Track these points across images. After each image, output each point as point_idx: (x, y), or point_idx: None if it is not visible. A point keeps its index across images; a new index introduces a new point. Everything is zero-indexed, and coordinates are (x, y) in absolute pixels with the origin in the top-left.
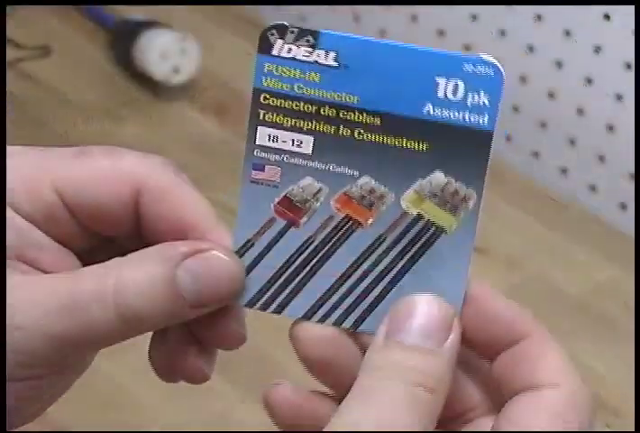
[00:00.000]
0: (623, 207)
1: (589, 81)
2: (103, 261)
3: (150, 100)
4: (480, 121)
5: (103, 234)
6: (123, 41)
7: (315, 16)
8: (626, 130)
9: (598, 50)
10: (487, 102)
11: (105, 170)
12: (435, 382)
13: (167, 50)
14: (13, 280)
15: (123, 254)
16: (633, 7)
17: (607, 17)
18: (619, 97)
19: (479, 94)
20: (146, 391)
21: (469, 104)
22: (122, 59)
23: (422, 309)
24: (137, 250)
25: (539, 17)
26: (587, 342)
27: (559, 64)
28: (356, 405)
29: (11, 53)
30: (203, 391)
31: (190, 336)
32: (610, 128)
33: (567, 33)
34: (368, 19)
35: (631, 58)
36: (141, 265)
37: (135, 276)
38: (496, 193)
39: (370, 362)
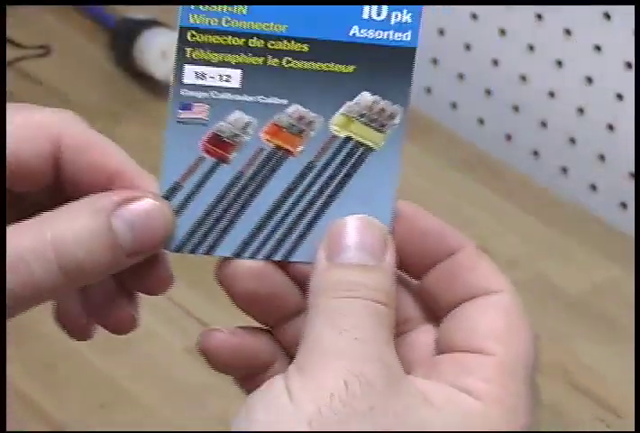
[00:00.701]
0: (623, 206)
1: (590, 81)
2: (14, 219)
3: (151, 99)
4: (404, 38)
5: (17, 191)
6: (123, 40)
7: None
8: (626, 130)
9: (598, 49)
10: (409, 19)
11: (22, 125)
12: (386, 296)
13: (167, 50)
14: None
15: (38, 211)
16: (633, 7)
17: (607, 17)
18: (619, 97)
19: (401, 12)
20: (146, 390)
21: (392, 22)
22: (122, 59)
23: (355, 229)
24: (54, 205)
25: (539, 17)
26: (587, 342)
27: (559, 64)
28: (327, 327)
29: (11, 53)
30: (203, 391)
31: (117, 284)
32: (610, 128)
33: (567, 33)
34: None
35: (631, 58)
36: (76, 217)
37: (72, 228)
38: (496, 192)
39: (320, 283)
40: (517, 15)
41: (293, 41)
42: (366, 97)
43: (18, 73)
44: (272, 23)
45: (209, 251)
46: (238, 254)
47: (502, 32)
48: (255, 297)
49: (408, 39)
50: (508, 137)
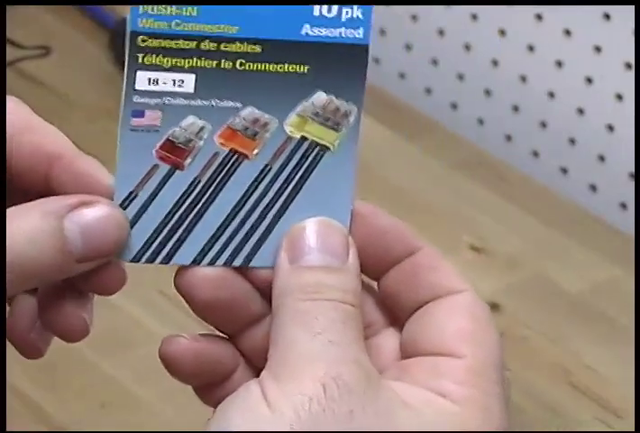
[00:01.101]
0: (623, 206)
1: (589, 81)
2: None
3: None
4: (356, 35)
5: None
6: (123, 40)
7: None
8: (626, 130)
9: (598, 50)
10: (360, 15)
11: None
12: (353, 297)
13: None
14: None
15: None
16: (633, 7)
17: (607, 17)
18: (619, 98)
19: (352, 8)
20: (146, 391)
21: (344, 19)
22: (122, 59)
23: (315, 231)
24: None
25: (539, 17)
26: (587, 342)
27: (559, 64)
28: (299, 331)
29: (11, 53)
30: None
31: (67, 285)
32: (610, 128)
33: (567, 33)
34: None
35: (631, 58)
36: (27, 217)
37: (22, 227)
38: (496, 193)
39: (285, 286)
40: (517, 15)
41: (245, 43)
42: (320, 97)
43: (18, 73)
44: (223, 25)
45: (167, 260)
46: (197, 262)
47: (502, 32)
48: (214, 304)
49: (360, 36)
50: (508, 137)
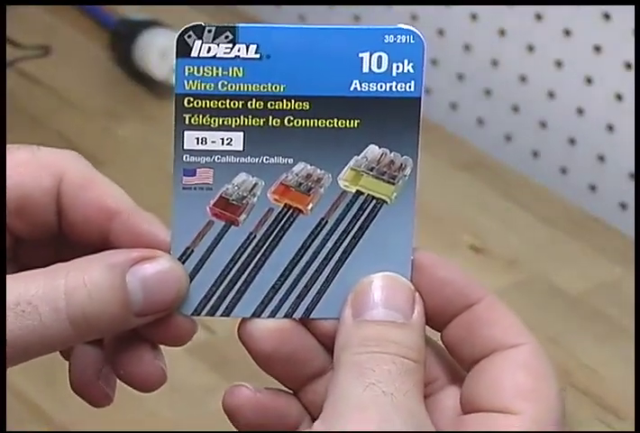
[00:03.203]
0: (623, 207)
1: (589, 81)
2: (12, 272)
3: (151, 99)
4: (407, 88)
5: (20, 235)
6: (123, 40)
7: (315, 16)
8: (626, 130)
9: (597, 50)
10: (411, 69)
11: (25, 163)
12: (415, 353)
13: (167, 50)
14: None
15: (36, 267)
16: (633, 7)
17: (606, 17)
18: (619, 97)
19: (402, 63)
20: None
21: (394, 74)
22: (122, 59)
23: (381, 286)
24: (55, 260)
25: (539, 17)
26: (587, 342)
27: (559, 64)
28: (353, 381)
29: (11, 53)
30: (203, 392)
31: (137, 336)
32: (610, 128)
33: (567, 33)
34: (368, 19)
35: (631, 58)
36: (91, 269)
37: (86, 280)
38: (496, 193)
39: (347, 340)
40: (517, 15)
41: (293, 100)
42: (373, 150)
43: (18, 73)
44: (270, 84)
45: (227, 313)
46: (257, 314)
47: (502, 32)
48: (277, 357)
49: (412, 89)
50: (508, 137)
